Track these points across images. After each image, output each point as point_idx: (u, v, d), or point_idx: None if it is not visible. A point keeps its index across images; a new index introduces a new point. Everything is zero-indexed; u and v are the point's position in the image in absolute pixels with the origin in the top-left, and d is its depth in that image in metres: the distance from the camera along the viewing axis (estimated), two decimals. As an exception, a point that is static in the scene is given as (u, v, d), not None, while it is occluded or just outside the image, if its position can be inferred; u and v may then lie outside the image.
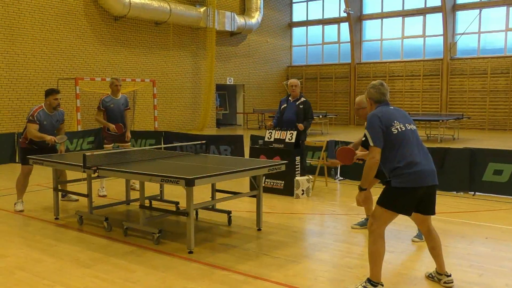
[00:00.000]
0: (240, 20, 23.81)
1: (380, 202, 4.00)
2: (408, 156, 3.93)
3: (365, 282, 4.03)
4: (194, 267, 4.71)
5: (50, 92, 7.19)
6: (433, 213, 4.15)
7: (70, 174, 7.28)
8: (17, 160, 12.24)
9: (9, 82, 15.85)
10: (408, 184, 3.89)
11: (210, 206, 6.47)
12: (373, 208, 4.16)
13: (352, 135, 19.26)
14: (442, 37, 23.17)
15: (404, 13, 24.64)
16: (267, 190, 8.00)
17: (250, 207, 7.02)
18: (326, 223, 6.69)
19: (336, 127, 23.98)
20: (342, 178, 9.46)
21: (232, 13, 23.40)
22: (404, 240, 5.61)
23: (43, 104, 7.21)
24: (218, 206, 6.59)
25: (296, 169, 8.01)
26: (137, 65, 19.99)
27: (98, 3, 18.34)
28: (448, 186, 8.17)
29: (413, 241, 5.52)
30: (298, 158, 8.04)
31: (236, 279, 4.41)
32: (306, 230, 6.32)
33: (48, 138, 6.99)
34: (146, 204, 6.09)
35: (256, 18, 24.80)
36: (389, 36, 25.35)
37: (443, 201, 7.60)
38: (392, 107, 4.19)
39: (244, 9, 25.05)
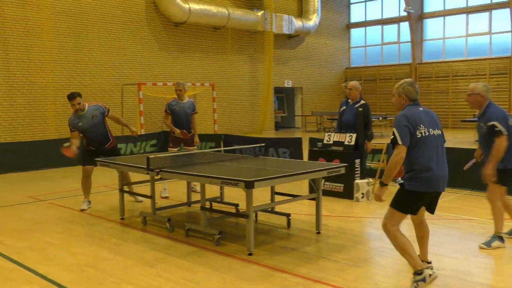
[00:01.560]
0: (297, 23, 23.79)
1: (393, 204, 4.18)
2: (426, 160, 4.09)
3: (413, 276, 4.11)
4: (253, 269, 4.76)
5: (68, 99, 7.40)
6: (433, 212, 4.39)
7: (135, 176, 7.55)
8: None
9: (78, 88, 16.60)
10: (421, 189, 4.09)
11: (270, 209, 6.51)
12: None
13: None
14: (510, 33, 22.07)
15: (468, 10, 23.69)
16: (327, 193, 7.94)
17: (309, 210, 7.01)
18: (387, 227, 6.55)
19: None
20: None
21: (290, 16, 23.42)
22: (469, 247, 5.41)
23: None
24: (277, 208, 6.62)
25: (356, 172, 7.91)
26: (196, 69, 20.43)
27: (160, 11, 18.92)
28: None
29: (480, 247, 5.29)
30: (357, 161, 7.93)
31: (296, 282, 4.41)
32: (366, 234, 6.22)
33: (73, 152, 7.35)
34: (206, 206, 6.22)
35: (313, 20, 24.68)
36: (452, 34, 24.45)
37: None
38: (421, 109, 4.26)
39: (301, 12, 25.00)
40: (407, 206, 4.16)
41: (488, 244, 5.24)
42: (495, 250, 5.22)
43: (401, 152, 4.05)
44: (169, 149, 8.59)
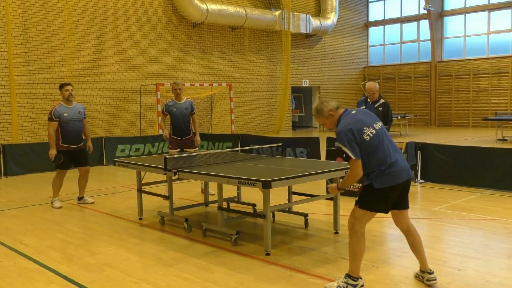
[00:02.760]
0: (315, 22, 23.69)
1: (362, 205, 4.12)
2: (386, 157, 4.03)
3: (345, 278, 4.15)
4: (272, 269, 4.74)
5: (62, 85, 7.88)
6: (408, 207, 4.25)
7: (150, 176, 7.59)
8: (104, 163, 12.98)
9: (97, 89, 16.85)
10: (389, 183, 4.02)
11: (287, 209, 6.48)
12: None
13: (432, 136, 18.52)
14: (532, 30, 21.66)
15: (490, 7, 23.29)
16: (344, 192, 7.85)
17: (327, 210, 6.96)
18: (406, 227, 6.47)
19: (416, 128, 23.15)
20: (423, 181, 9.11)
21: (307, 15, 23.33)
22: (492, 247, 5.30)
23: (61, 101, 7.85)
24: (295, 208, 6.60)
25: (374, 172, 7.81)
26: (214, 69, 20.49)
27: (178, 11, 19.02)
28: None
29: None
30: (376, 160, 7.84)
31: (314, 283, 4.38)
32: (386, 234, 6.15)
33: (51, 153, 7.59)
34: (224, 206, 6.22)
35: (331, 19, 24.55)
36: (473, 32, 24.08)
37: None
38: (353, 111, 4.17)
39: (319, 11, 24.89)
40: (377, 204, 4.10)
41: None
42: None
43: (357, 166, 3.99)
44: (169, 151, 8.47)
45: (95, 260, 5.17)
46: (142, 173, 7.00)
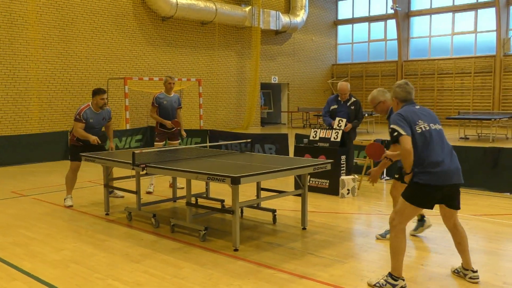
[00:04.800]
0: (285, 19, 23.78)
1: (406, 197, 4.07)
2: (433, 155, 3.98)
3: (387, 276, 4.11)
4: (240, 265, 4.76)
5: (97, 92, 7.46)
6: (458, 208, 4.25)
7: (119, 171, 7.49)
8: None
9: (63, 82, 16.46)
10: (432, 182, 3.96)
11: (255, 205, 6.51)
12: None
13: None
14: (495, 32, 22.31)
15: (455, 9, 23.88)
16: (312, 189, 7.97)
17: (295, 206, 7.02)
18: (372, 223, 6.60)
19: (383, 126, 23.54)
20: (388, 178, 9.29)
21: (277, 12, 23.40)
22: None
23: (90, 103, 7.48)
24: (263, 204, 6.63)
25: (342, 168, 7.94)
26: (183, 64, 20.32)
27: (147, 5, 18.76)
28: (501, 187, 7.90)
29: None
30: (343, 157, 7.97)
31: (282, 278, 4.42)
32: (352, 230, 6.25)
33: (92, 138, 7.25)
34: (192, 202, 6.20)
35: (301, 16, 24.70)
36: (438, 32, 24.65)
37: (496, 202, 7.36)
38: (418, 107, 4.25)
39: (289, 8, 24.99)
40: (420, 199, 4.03)
41: (383, 235, 5.53)
42: (488, 247, 5.29)
43: (408, 142, 3.93)
44: (155, 143, 8.58)
45: (60, 257, 5.07)
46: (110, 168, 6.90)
